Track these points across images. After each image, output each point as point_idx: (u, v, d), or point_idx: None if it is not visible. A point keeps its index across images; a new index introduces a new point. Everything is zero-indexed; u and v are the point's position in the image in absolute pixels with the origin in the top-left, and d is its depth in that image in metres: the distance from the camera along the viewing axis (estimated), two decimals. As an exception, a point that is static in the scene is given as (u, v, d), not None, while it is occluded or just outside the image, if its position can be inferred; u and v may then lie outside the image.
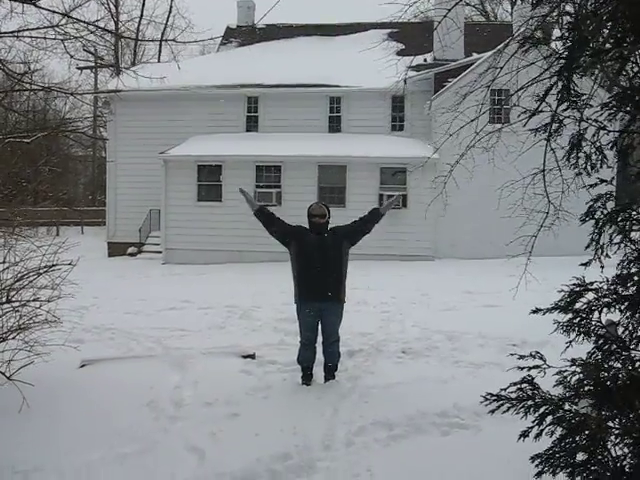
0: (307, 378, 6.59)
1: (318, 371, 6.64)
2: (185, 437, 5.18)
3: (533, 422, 3.04)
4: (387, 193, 18.86)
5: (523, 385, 3.09)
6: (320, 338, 6.58)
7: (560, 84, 3.52)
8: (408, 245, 18.60)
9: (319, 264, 6.32)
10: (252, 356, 7.53)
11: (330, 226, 6.63)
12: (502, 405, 3.08)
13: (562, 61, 3.52)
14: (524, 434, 3.09)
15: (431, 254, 18.71)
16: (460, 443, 5.05)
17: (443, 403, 5.72)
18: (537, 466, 3.01)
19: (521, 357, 3.19)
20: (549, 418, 3.01)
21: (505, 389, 3.12)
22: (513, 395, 3.09)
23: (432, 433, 5.25)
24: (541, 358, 3.18)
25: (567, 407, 3.00)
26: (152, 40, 39.23)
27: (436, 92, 19.39)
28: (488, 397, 3.11)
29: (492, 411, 3.12)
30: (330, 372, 6.62)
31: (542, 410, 3.01)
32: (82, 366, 7.17)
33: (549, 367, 3.16)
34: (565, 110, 3.85)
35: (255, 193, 19.20)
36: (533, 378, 3.12)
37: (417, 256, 18.36)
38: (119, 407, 5.85)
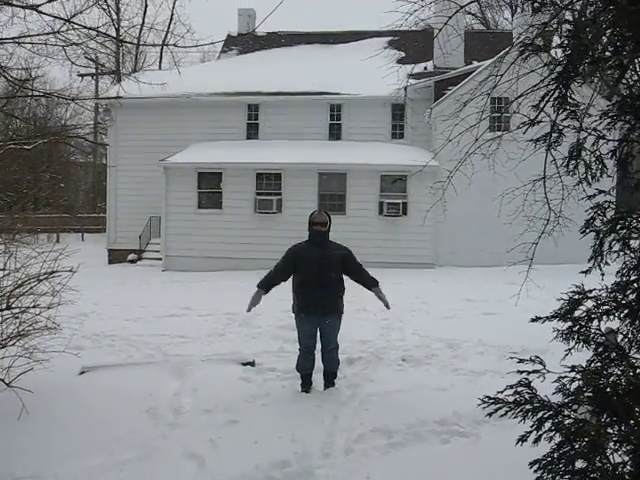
0: (306, 385, 6.58)
1: (317, 378, 6.64)
2: (184, 444, 5.18)
3: (531, 427, 3.04)
4: (387, 201, 18.90)
5: (520, 389, 3.09)
6: (319, 346, 6.58)
7: (557, 92, 3.52)
8: (408, 252, 18.59)
9: (318, 278, 6.32)
10: (251, 363, 7.52)
11: (332, 236, 6.63)
12: (500, 409, 3.07)
13: (561, 69, 3.53)
14: (522, 438, 3.09)
15: (431, 261, 18.69)
16: (459, 451, 5.05)
17: (443, 411, 5.72)
18: (536, 471, 3.01)
19: (521, 361, 3.19)
20: (547, 424, 3.01)
21: (502, 392, 3.12)
22: (511, 399, 3.08)
23: (431, 441, 5.24)
24: (541, 363, 3.18)
25: (566, 413, 2.99)
26: (153, 45, 39.35)
27: (436, 100, 19.42)
28: (486, 400, 3.10)
29: (490, 414, 3.11)
30: (329, 380, 6.62)
31: (540, 415, 3.01)
32: (82, 373, 7.16)
33: (548, 372, 3.16)
34: (564, 120, 3.85)
35: (255, 200, 19.24)
36: (530, 382, 3.12)
37: (417, 264, 18.33)
38: (118, 414, 5.84)
